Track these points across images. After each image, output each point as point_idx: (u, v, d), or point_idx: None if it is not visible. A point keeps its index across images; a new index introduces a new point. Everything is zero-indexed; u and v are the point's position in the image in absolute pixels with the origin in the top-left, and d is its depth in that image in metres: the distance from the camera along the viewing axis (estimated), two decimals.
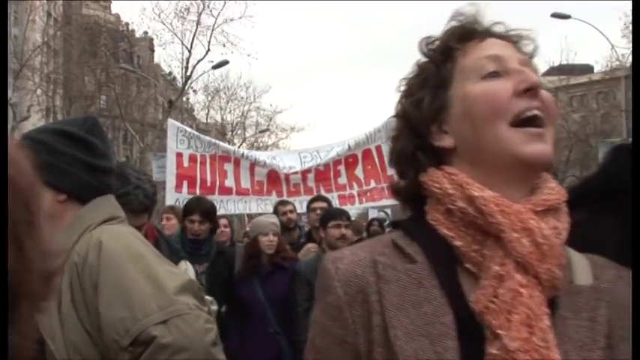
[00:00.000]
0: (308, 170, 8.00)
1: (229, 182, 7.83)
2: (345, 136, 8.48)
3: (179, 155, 7.64)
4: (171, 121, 8.49)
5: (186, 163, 7.65)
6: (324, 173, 7.98)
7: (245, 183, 7.87)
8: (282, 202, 7.01)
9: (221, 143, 8.58)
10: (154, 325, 1.67)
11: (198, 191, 7.46)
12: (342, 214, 5.53)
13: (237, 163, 7.90)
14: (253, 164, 7.93)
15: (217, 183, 7.76)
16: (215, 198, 7.33)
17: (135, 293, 1.72)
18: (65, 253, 1.77)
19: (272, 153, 10.26)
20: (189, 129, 8.48)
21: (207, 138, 8.51)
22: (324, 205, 6.36)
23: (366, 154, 8.00)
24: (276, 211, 6.63)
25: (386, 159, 7.67)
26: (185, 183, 7.56)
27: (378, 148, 7.92)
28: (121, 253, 1.78)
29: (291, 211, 6.72)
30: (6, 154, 1.60)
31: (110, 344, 1.69)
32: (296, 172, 7.96)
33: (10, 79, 30.83)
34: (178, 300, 1.73)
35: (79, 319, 1.72)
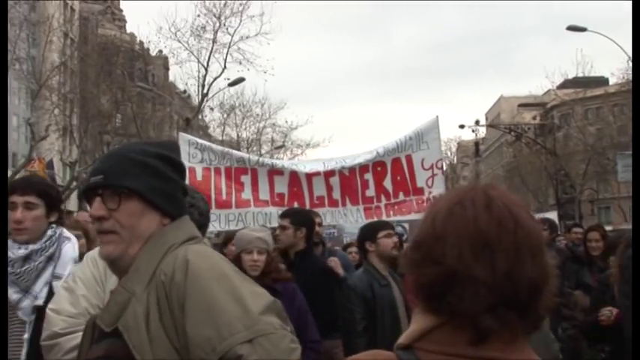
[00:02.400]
0: (331, 172, 7.50)
1: (246, 195, 7.45)
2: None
3: (191, 170, 7.19)
4: (182, 135, 8.17)
5: (199, 177, 7.32)
6: (349, 180, 7.52)
7: (264, 194, 7.46)
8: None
9: (235, 152, 8.15)
10: (240, 345, 1.68)
11: (213, 206, 7.05)
12: (387, 224, 5.39)
13: (254, 174, 7.50)
14: (272, 172, 7.49)
15: (233, 196, 7.41)
16: (232, 212, 7.15)
17: (221, 313, 1.72)
18: (150, 271, 1.82)
19: (293, 161, 9.88)
20: (200, 140, 8.10)
21: (220, 148, 8.16)
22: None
23: (396, 163, 7.60)
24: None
25: (416, 169, 7.47)
26: None
27: (408, 159, 7.55)
28: (207, 273, 1.79)
29: (319, 224, 6.18)
30: (6, 155, 1.63)
31: None
32: (318, 173, 7.48)
33: (28, 100, 31.12)
34: (263, 320, 1.74)
35: (168, 338, 1.75)
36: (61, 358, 2.69)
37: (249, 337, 1.69)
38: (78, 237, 3.82)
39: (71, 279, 2.90)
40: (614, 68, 62.48)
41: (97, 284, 2.81)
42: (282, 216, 5.58)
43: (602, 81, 48.36)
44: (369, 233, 5.15)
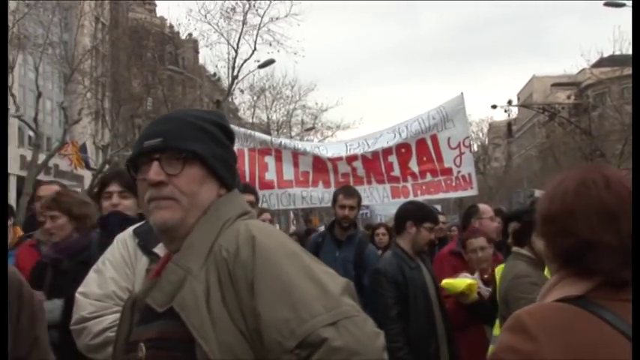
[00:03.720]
0: (354, 157, 7.37)
1: (270, 175, 7.38)
2: None
3: None
4: None
5: None
6: (372, 162, 7.38)
7: (288, 174, 7.37)
8: (347, 192, 6.05)
9: (257, 134, 8.06)
10: (323, 327, 1.54)
11: None
12: (435, 216, 5.27)
13: (278, 154, 7.41)
14: (296, 153, 7.41)
15: (257, 177, 7.32)
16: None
17: (297, 293, 1.58)
18: (206, 247, 1.68)
19: (316, 143, 9.72)
20: None
21: (242, 130, 8.04)
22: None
23: (421, 144, 7.41)
24: (335, 200, 5.98)
25: (442, 149, 7.31)
26: None
27: (434, 138, 7.36)
28: (277, 250, 1.65)
29: (352, 207, 5.88)
30: (6, 155, 1.52)
31: (272, 347, 1.56)
32: (340, 158, 7.35)
33: (61, 84, 31.41)
34: (344, 301, 1.60)
35: (232, 320, 1.60)
36: (90, 342, 2.65)
37: (332, 320, 1.55)
38: None
39: (101, 261, 2.84)
40: None
41: (126, 266, 2.75)
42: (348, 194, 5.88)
43: None
44: (416, 215, 4.92)
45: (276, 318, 1.56)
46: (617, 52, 38.76)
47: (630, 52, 41.71)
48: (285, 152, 7.38)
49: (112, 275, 2.72)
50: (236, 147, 7.44)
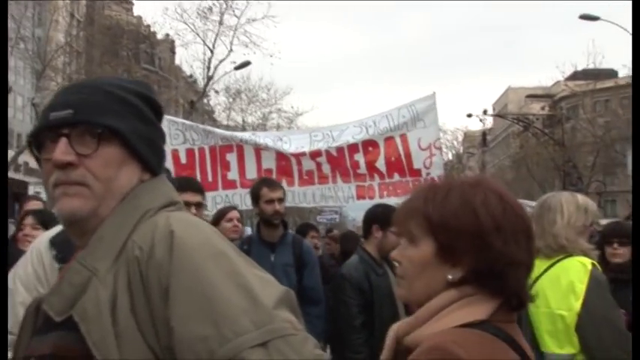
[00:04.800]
0: (318, 152, 6.98)
1: (233, 174, 7.01)
2: None
3: (174, 152, 6.84)
4: (164, 117, 7.80)
5: (183, 160, 6.90)
6: (337, 159, 7.01)
7: (251, 173, 6.97)
8: (272, 184, 5.29)
9: (219, 130, 7.70)
10: (250, 349, 1.24)
11: None
12: None
13: (240, 151, 7.03)
14: (258, 149, 7.02)
15: (220, 177, 6.99)
16: (219, 193, 6.82)
17: (221, 304, 1.27)
18: (119, 243, 1.37)
19: (279, 133, 8.80)
20: (181, 120, 7.66)
21: (202, 127, 7.64)
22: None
23: (389, 144, 7.05)
24: (257, 196, 5.12)
25: (412, 150, 6.98)
26: None
27: (403, 138, 7.02)
28: (200, 249, 1.32)
29: (280, 200, 5.12)
30: (6, 154, 1.33)
31: None
32: (304, 154, 6.94)
33: (33, 80, 30.89)
34: (279, 316, 1.28)
35: (142, 334, 1.29)
36: None
37: (262, 339, 1.25)
38: None
39: (11, 279, 2.45)
40: (627, 60, 62.09)
41: (39, 284, 2.38)
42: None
43: (612, 73, 48.00)
44: (382, 219, 4.50)
45: (192, 335, 1.26)
46: (591, 66, 39.26)
47: (603, 66, 42.33)
48: (247, 148, 7.04)
49: (23, 299, 2.31)
50: (197, 144, 7.00)
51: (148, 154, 1.48)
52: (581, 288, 3.02)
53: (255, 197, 5.14)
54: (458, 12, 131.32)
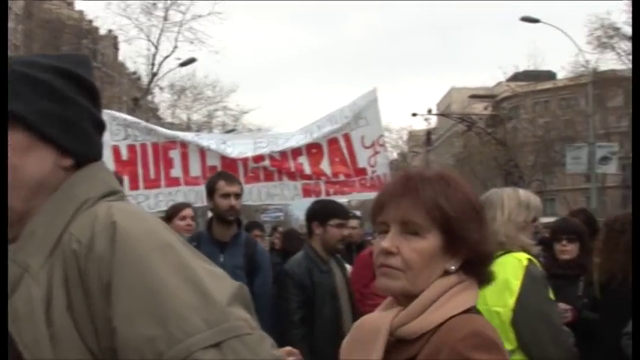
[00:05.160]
0: (260, 157, 6.83)
1: (176, 172, 6.81)
2: None
3: (115, 148, 6.63)
4: (104, 112, 7.48)
5: (124, 156, 6.71)
6: (281, 163, 6.90)
7: (195, 170, 6.80)
8: (229, 178, 4.96)
9: (160, 129, 7.49)
10: (202, 350, 1.14)
11: (141, 186, 6.62)
12: (343, 211, 4.86)
13: (183, 148, 6.86)
14: (202, 149, 6.88)
15: (162, 174, 6.80)
16: (162, 191, 6.67)
17: (169, 301, 1.16)
18: (53, 237, 1.25)
19: (223, 136, 8.72)
20: (124, 116, 7.45)
21: (145, 124, 7.47)
22: None
23: (333, 144, 6.96)
24: (213, 190, 4.80)
25: (356, 149, 6.92)
26: (126, 178, 6.54)
27: (346, 138, 6.95)
28: (145, 240, 1.22)
29: (237, 195, 4.81)
30: (6, 154, 1.25)
31: None
32: (247, 159, 6.80)
33: None
34: (233, 313, 1.19)
35: (80, 336, 1.19)
36: None
37: (216, 340, 1.15)
38: None
39: None
40: (565, 62, 63.94)
41: None
42: None
43: (551, 75, 49.27)
44: (320, 214, 4.64)
45: (137, 335, 1.15)
46: (532, 67, 40.19)
47: (543, 67, 43.43)
48: (191, 146, 6.90)
49: None
50: (138, 142, 6.72)
51: (61, 136, 1.32)
52: (516, 284, 3.04)
53: (210, 191, 4.85)
54: (402, 12, 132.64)
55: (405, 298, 1.54)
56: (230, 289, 1.23)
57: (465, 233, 1.54)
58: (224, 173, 5.33)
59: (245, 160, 6.82)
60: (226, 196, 4.74)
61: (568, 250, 4.19)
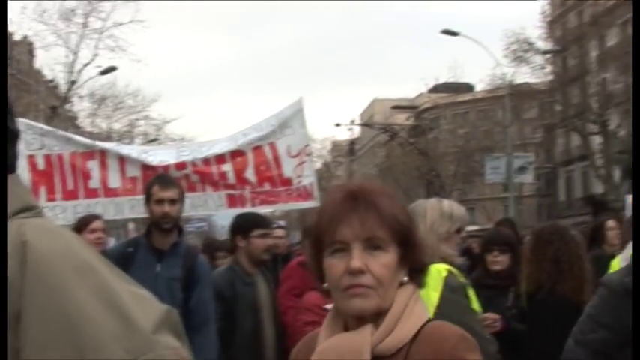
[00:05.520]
0: (182, 165, 6.62)
1: (94, 183, 6.56)
2: None
3: (31, 158, 6.39)
4: (20, 120, 7.18)
5: (41, 166, 6.46)
6: (204, 171, 6.71)
7: (114, 182, 6.57)
8: (164, 182, 4.63)
9: (79, 138, 7.22)
10: None
11: (58, 197, 6.40)
12: (265, 221, 4.88)
13: (102, 159, 6.61)
14: (122, 159, 6.64)
15: (81, 185, 6.55)
16: (81, 203, 6.44)
17: (88, 329, 1.04)
18: None
19: (145, 147, 8.86)
20: (39, 125, 7.21)
21: (62, 133, 7.22)
22: None
23: (258, 153, 6.82)
24: (148, 195, 4.50)
25: (282, 158, 6.81)
26: (43, 189, 6.33)
27: (272, 146, 6.83)
28: (61, 261, 1.08)
29: (172, 201, 4.45)
30: (6, 155, 1.13)
31: None
32: (168, 167, 6.54)
33: None
34: (159, 342, 1.06)
35: None
36: None
37: None
38: None
39: None
40: (483, 74, 65.99)
41: None
42: None
43: (470, 87, 50.78)
44: (242, 227, 4.67)
45: None
46: (452, 79, 41.31)
47: (463, 79, 44.69)
48: (111, 156, 6.67)
49: None
50: (55, 151, 6.40)
51: None
52: (435, 295, 3.05)
53: (147, 197, 4.56)
54: (326, 23, 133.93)
55: (372, 315, 1.53)
56: (157, 314, 1.09)
57: (416, 243, 1.59)
58: (160, 177, 5.06)
59: (167, 168, 6.60)
60: (160, 202, 4.41)
61: (499, 260, 4.26)
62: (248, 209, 6.47)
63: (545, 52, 34.84)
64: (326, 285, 1.60)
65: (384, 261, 1.53)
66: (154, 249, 4.41)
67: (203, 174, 6.75)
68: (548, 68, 36.50)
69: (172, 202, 4.42)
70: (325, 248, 1.57)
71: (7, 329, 1.05)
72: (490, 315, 3.94)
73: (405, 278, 1.59)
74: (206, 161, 6.75)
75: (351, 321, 1.57)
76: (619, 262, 4.15)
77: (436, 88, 45.40)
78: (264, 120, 7.07)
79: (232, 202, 6.79)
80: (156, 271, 4.28)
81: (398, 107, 59.44)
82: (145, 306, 1.10)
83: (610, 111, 35.01)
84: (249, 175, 6.83)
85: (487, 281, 4.14)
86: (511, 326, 3.87)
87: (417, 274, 1.62)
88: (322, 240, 1.57)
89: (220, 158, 6.79)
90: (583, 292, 3.73)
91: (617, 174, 33.67)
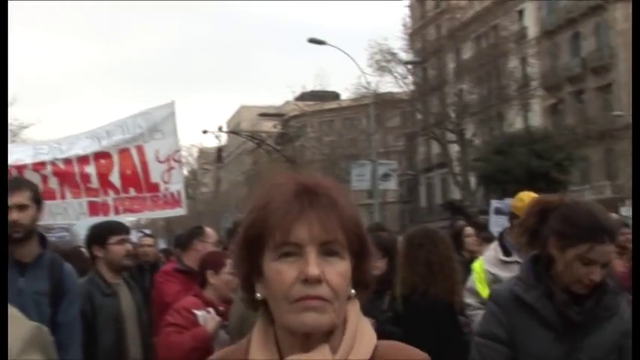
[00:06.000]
0: (41, 164, 6.16)
1: None
2: None
3: None
4: None
5: None
6: (64, 173, 6.28)
7: None
8: (12, 185, 3.90)
9: None
10: None
11: None
12: (121, 227, 4.61)
13: None
14: None
15: None
16: None
17: None
18: None
19: None
20: None
21: None
22: None
23: (124, 155, 6.49)
24: None
25: (149, 162, 6.50)
26: None
27: (139, 150, 6.52)
28: None
29: (22, 207, 3.81)
30: (6, 155, 0.91)
31: None
32: (25, 167, 6.05)
33: None
34: None
35: None
36: None
37: None
38: None
39: None
40: (349, 83, 67.63)
41: None
42: None
43: (334, 95, 51.90)
44: (97, 237, 4.43)
45: None
46: (318, 88, 42.02)
47: (329, 88, 45.57)
48: None
49: None
50: None
51: None
52: None
53: None
54: (192, 29, 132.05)
55: (322, 334, 1.27)
56: (24, 333, 1.03)
57: (369, 252, 1.35)
58: (11, 180, 4.48)
59: (21, 168, 6.08)
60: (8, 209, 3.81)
61: (377, 265, 4.26)
62: (111, 217, 6.10)
63: (406, 63, 36.18)
64: (258, 296, 1.30)
65: (340, 269, 1.26)
66: (14, 262, 3.86)
67: (64, 175, 6.29)
68: (410, 78, 37.97)
69: (22, 207, 3.83)
70: (268, 250, 1.27)
71: (7, 329, 1.00)
72: None
73: (353, 292, 1.32)
74: (67, 161, 6.29)
75: (293, 339, 1.28)
76: (481, 264, 4.26)
77: (303, 96, 45.99)
78: (131, 118, 6.68)
79: (94, 209, 6.38)
80: (19, 286, 3.80)
81: (265, 115, 59.68)
82: (12, 326, 1.03)
83: (466, 120, 36.93)
84: (114, 179, 6.47)
85: None
86: (385, 329, 3.87)
87: (363, 287, 1.34)
88: (264, 240, 1.27)
89: (83, 159, 6.36)
90: (455, 293, 3.83)
91: (473, 180, 35.52)
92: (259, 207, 1.31)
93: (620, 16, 37.17)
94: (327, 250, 1.25)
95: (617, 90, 37.49)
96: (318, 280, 1.22)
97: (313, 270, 1.22)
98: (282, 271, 1.25)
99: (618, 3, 36.91)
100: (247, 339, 1.35)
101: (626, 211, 24.56)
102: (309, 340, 1.26)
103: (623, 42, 36.87)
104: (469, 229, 7.01)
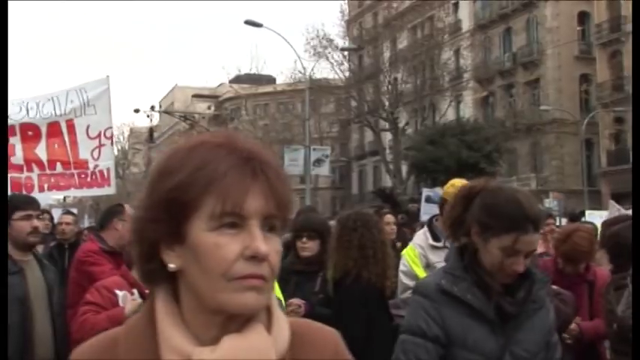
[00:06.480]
0: None
1: None
2: None
3: None
4: None
5: None
6: None
7: None
8: None
9: None
10: None
11: None
12: (30, 201, 4.26)
13: None
14: None
15: None
16: None
17: None
18: None
19: None
20: None
21: None
22: None
23: (53, 128, 6.29)
24: None
25: (79, 138, 6.30)
26: None
27: (70, 124, 6.33)
28: None
29: None
30: (6, 155, 0.82)
31: None
32: None
33: None
34: None
35: None
36: None
37: None
38: None
39: None
40: (284, 67, 67.32)
41: None
42: None
43: (271, 79, 51.57)
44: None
45: None
46: (254, 70, 41.68)
47: (265, 71, 45.29)
48: None
49: None
50: None
51: None
52: None
53: None
54: (125, 7, 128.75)
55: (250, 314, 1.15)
56: None
57: (284, 229, 1.19)
58: None
59: None
60: None
61: (308, 247, 4.26)
62: (35, 194, 5.80)
63: (342, 50, 36.29)
64: (172, 266, 1.12)
65: (278, 247, 1.14)
66: None
67: None
68: (346, 65, 38.11)
69: None
70: (199, 218, 1.09)
71: (7, 329, 0.84)
72: (294, 301, 3.95)
73: None
74: None
75: (210, 319, 1.13)
76: (413, 248, 4.29)
77: (238, 79, 45.54)
78: (63, 91, 6.48)
79: (17, 186, 6.11)
80: None
81: (199, 96, 58.89)
82: None
83: (399, 109, 37.40)
84: (41, 152, 6.24)
85: (297, 267, 4.13)
86: (316, 311, 3.89)
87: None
88: (195, 205, 1.09)
89: (10, 129, 6.03)
90: (386, 277, 3.86)
91: (404, 169, 36.05)
92: (189, 166, 1.10)
93: (549, 13, 38.28)
94: (268, 225, 1.12)
95: (544, 85, 38.66)
96: (264, 259, 1.10)
97: (263, 247, 1.09)
98: (222, 245, 1.09)
99: (548, 1, 37.96)
100: (145, 318, 1.18)
101: (550, 202, 25.42)
102: (231, 321, 1.13)
103: (551, 39, 38.05)
104: (389, 217, 7.07)
